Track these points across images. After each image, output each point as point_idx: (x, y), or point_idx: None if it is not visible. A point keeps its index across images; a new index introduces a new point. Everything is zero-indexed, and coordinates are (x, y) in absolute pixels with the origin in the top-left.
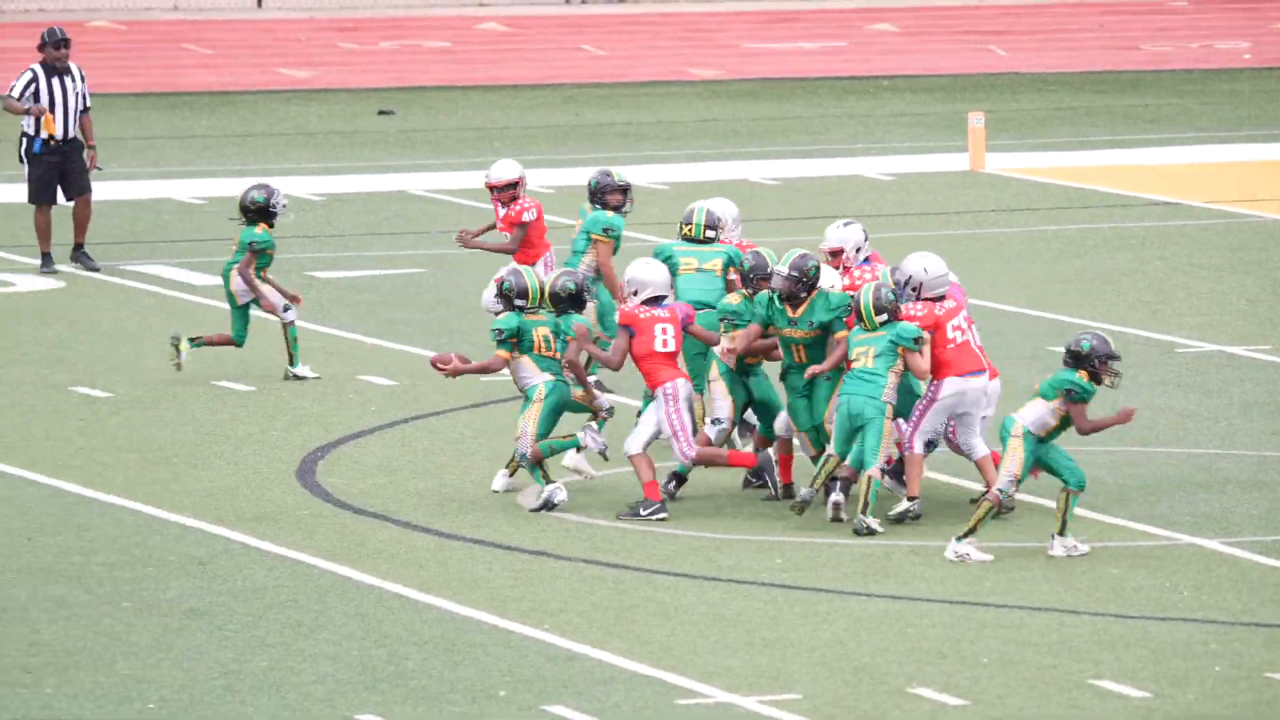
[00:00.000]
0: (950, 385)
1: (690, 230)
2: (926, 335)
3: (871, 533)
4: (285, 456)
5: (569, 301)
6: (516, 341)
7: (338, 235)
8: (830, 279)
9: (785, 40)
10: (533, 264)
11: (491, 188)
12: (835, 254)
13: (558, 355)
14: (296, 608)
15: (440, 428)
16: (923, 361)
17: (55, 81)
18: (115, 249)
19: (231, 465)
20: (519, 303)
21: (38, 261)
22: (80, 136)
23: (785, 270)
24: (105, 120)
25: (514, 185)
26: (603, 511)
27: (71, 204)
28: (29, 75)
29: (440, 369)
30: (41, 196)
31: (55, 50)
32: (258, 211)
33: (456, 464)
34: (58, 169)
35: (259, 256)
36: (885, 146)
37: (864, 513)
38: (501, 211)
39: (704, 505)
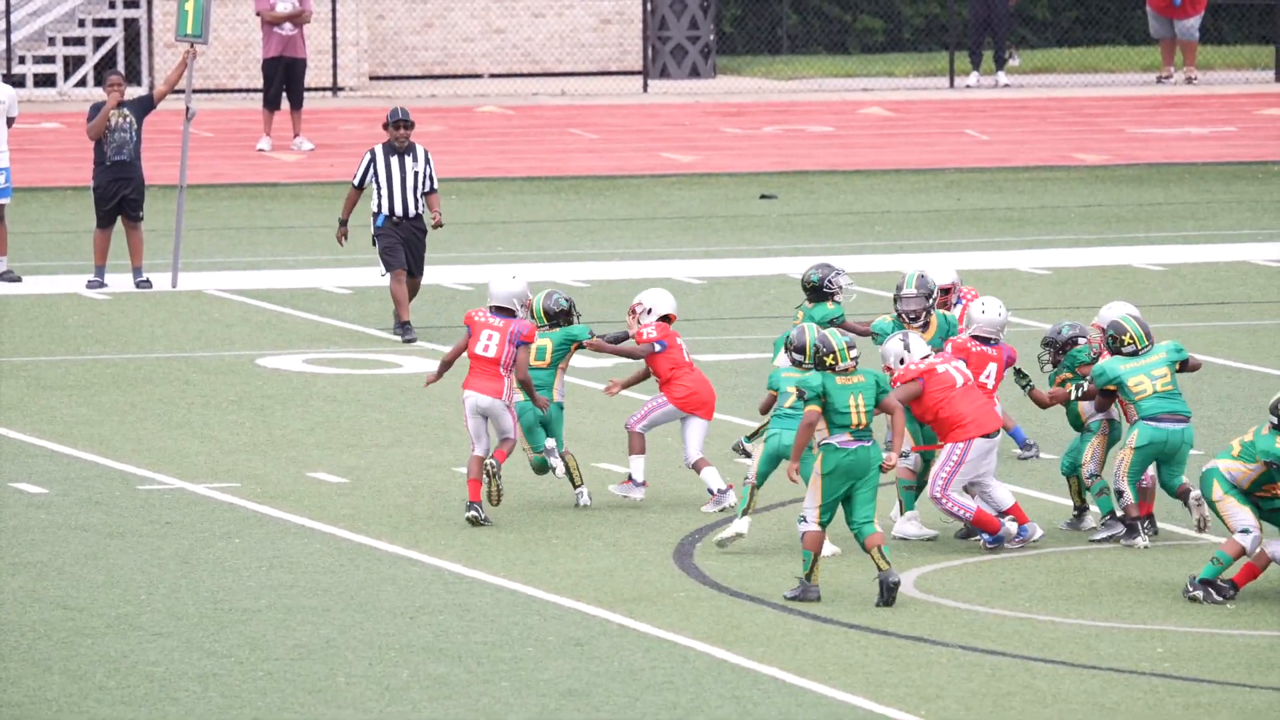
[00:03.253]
0: None
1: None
2: None
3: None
4: (663, 539)
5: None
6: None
7: (717, 319)
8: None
9: (1173, 125)
10: None
11: None
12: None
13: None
14: (673, 690)
15: None
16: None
17: (394, 161)
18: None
19: (610, 547)
20: None
21: (398, 334)
22: (424, 216)
23: None
24: (492, 203)
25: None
26: (981, 597)
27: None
28: (368, 157)
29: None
30: (393, 263)
31: (395, 130)
32: (813, 290)
33: (839, 544)
34: (402, 241)
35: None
36: (1274, 233)
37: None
38: None
39: (1081, 591)
